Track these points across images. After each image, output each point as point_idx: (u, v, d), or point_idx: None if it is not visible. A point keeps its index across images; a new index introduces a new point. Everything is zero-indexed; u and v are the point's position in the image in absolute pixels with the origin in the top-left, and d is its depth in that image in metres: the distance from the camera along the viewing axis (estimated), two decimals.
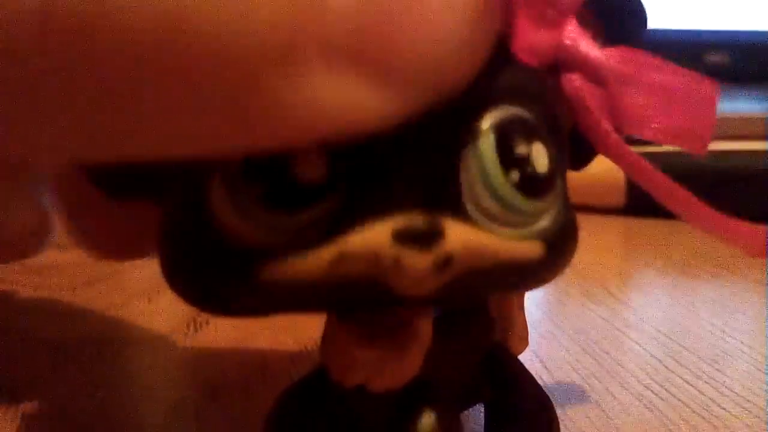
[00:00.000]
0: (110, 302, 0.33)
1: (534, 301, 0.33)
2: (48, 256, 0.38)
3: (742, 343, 0.28)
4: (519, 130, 0.14)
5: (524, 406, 0.18)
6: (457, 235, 0.13)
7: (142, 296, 0.33)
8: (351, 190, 0.13)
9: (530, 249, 0.14)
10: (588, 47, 0.15)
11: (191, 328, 0.29)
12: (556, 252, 0.14)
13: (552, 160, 0.14)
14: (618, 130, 0.15)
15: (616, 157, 0.15)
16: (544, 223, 0.14)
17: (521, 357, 0.20)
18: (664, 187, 0.14)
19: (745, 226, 0.15)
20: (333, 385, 0.15)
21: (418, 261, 0.12)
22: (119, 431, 0.21)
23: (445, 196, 0.13)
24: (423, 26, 0.11)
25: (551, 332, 0.29)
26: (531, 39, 0.14)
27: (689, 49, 0.74)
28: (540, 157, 0.14)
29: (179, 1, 0.10)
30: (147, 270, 0.34)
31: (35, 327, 0.30)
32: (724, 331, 0.29)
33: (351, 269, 0.13)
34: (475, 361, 0.18)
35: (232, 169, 0.13)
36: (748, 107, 0.62)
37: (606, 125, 0.15)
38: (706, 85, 0.15)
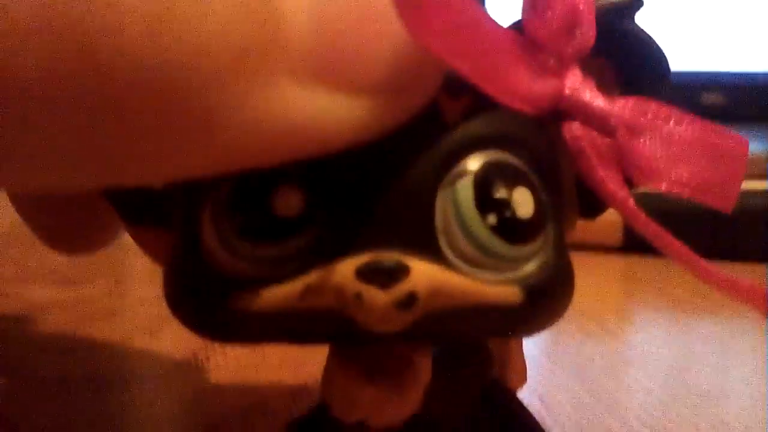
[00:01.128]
0: (112, 339, 0.33)
1: (532, 339, 0.33)
2: (50, 293, 0.39)
3: (741, 380, 0.28)
4: (501, 174, 0.14)
5: None
6: (424, 274, 0.13)
7: (144, 333, 0.33)
8: (326, 224, 0.13)
9: (506, 294, 0.14)
10: (592, 97, 0.14)
11: (192, 365, 0.29)
12: (541, 299, 0.14)
13: (539, 205, 0.14)
14: (630, 181, 0.15)
15: (615, 207, 0.14)
16: (530, 268, 0.14)
17: (519, 395, 0.20)
18: (665, 242, 0.14)
19: (744, 283, 0.14)
20: (334, 421, 0.15)
21: (378, 298, 0.13)
22: None
23: (418, 235, 0.13)
24: (379, 38, 0.12)
25: (549, 370, 0.29)
26: (528, 88, 0.13)
27: (685, 90, 0.75)
28: (523, 202, 0.14)
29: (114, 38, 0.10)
30: (149, 307, 0.34)
31: (37, 364, 0.30)
32: (723, 369, 0.29)
33: (318, 302, 0.13)
34: (474, 396, 0.18)
35: (219, 201, 0.13)
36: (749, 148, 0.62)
37: (602, 173, 0.14)
38: (736, 140, 0.15)
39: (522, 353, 0.20)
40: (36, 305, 0.36)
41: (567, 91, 0.14)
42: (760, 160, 0.56)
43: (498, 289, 0.14)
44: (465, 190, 0.13)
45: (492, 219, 0.13)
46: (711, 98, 0.77)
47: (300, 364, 0.28)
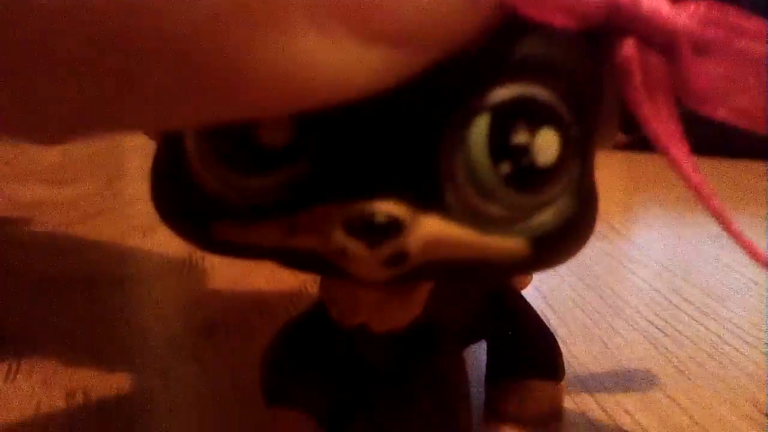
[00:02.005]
0: (104, 239, 0.32)
1: None
2: (42, 192, 0.38)
3: (747, 278, 0.27)
4: (524, 113, 0.12)
5: (528, 340, 0.18)
6: (420, 229, 0.11)
7: (136, 232, 0.33)
8: (316, 159, 0.12)
9: (511, 247, 0.12)
10: (655, 4, 0.12)
11: (187, 265, 0.29)
12: (550, 249, 0.13)
13: (565, 147, 0.12)
14: (680, 104, 0.12)
15: (656, 144, 0.12)
16: (543, 218, 0.12)
17: (525, 294, 0.19)
18: (701, 190, 0.13)
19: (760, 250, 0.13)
20: (332, 324, 0.15)
21: (365, 256, 0.11)
22: (114, 370, 0.21)
23: (419, 181, 0.12)
24: None
25: (555, 269, 0.28)
26: None
27: None
28: (546, 147, 0.12)
29: None
30: (142, 206, 0.34)
31: (29, 264, 0.29)
32: (729, 267, 0.28)
33: (302, 245, 0.12)
34: (479, 298, 0.17)
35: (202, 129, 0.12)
36: None
37: (647, 111, 0.12)
38: None
39: None
40: (27, 205, 0.35)
41: None
42: None
43: (503, 241, 0.12)
44: (478, 131, 0.11)
45: (506, 168, 0.12)
46: None
47: None
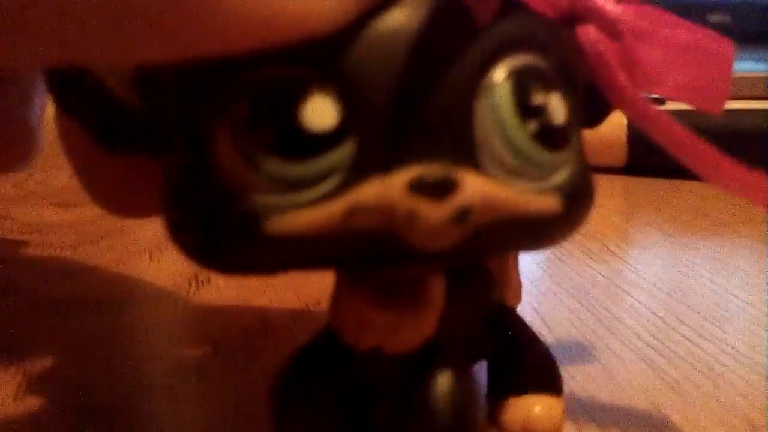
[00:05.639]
0: (112, 260, 0.33)
1: (534, 259, 0.33)
2: (51, 215, 0.38)
3: (742, 300, 0.28)
4: (536, 79, 0.13)
5: (527, 357, 0.19)
6: (475, 186, 0.12)
7: (143, 254, 0.33)
8: (363, 140, 0.12)
9: (548, 203, 0.13)
10: (603, 0, 0.14)
11: (193, 285, 0.29)
12: (574, 206, 0.14)
13: (570, 110, 0.14)
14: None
15: (633, 111, 0.14)
16: (562, 176, 0.14)
17: (522, 314, 0.20)
18: (681, 140, 0.14)
19: (750, 176, 0.14)
20: (343, 349, 0.15)
21: (434, 213, 0.12)
22: (120, 389, 0.21)
23: (460, 147, 0.12)
24: None
25: (552, 290, 0.29)
26: None
27: (692, 9, 0.74)
28: (557, 107, 0.13)
29: None
30: (149, 228, 0.34)
31: (36, 285, 0.30)
32: (724, 289, 0.29)
33: (364, 222, 0.12)
34: (479, 317, 0.18)
35: (239, 116, 0.12)
36: (750, 67, 0.61)
37: (623, 78, 0.14)
38: (723, 43, 0.15)
39: (518, 272, 0.20)
40: (35, 227, 0.36)
41: None
42: (762, 80, 0.56)
43: (540, 198, 0.13)
44: (504, 96, 0.13)
45: (533, 126, 0.13)
46: (717, 18, 0.76)
47: (301, 285, 0.28)
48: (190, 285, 0.29)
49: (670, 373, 0.22)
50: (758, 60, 0.66)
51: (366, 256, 0.13)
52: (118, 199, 0.18)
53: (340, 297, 0.15)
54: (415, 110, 0.12)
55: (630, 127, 0.47)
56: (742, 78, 0.56)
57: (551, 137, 0.13)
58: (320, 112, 0.12)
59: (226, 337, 0.24)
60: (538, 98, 0.13)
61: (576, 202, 0.14)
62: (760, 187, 0.14)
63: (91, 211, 0.38)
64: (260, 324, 0.25)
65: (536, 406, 0.18)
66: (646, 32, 0.14)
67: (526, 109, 0.13)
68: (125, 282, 0.30)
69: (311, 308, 0.26)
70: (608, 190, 0.45)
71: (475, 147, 0.13)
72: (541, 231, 0.14)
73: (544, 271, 0.31)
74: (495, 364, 0.19)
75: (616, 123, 0.47)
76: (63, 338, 0.25)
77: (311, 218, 0.12)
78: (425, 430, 0.16)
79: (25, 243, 0.34)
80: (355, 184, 0.12)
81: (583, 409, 0.20)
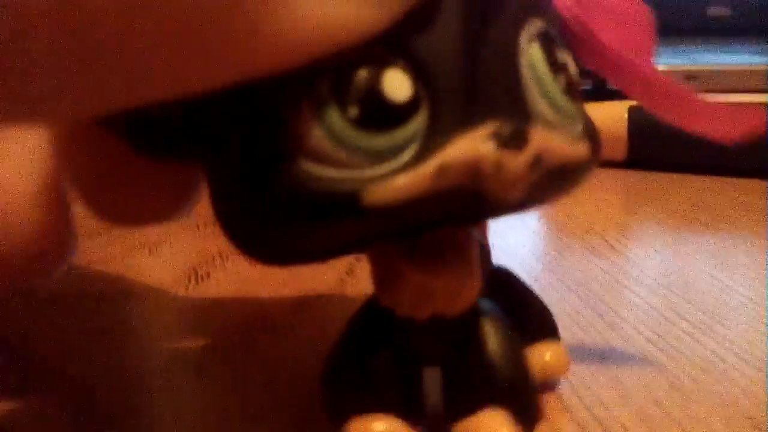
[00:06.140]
0: (111, 255, 0.32)
1: (534, 254, 0.33)
2: None
3: (743, 295, 0.28)
4: (554, 38, 0.15)
5: (529, 311, 0.20)
6: (539, 137, 0.14)
7: (142, 249, 0.33)
8: (435, 106, 0.13)
9: (582, 149, 0.15)
10: None
11: (192, 280, 0.29)
12: (596, 152, 0.15)
13: (577, 67, 0.15)
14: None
15: (615, 68, 0.16)
16: (581, 125, 0.15)
17: None
18: (667, 91, 0.16)
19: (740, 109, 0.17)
20: (396, 323, 0.16)
21: (517, 161, 0.13)
22: (119, 385, 0.21)
23: (516, 104, 0.14)
24: None
25: (552, 285, 0.29)
26: None
27: (692, 2, 0.74)
28: (571, 62, 0.15)
29: None
30: None
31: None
32: (725, 284, 0.29)
33: (452, 180, 0.13)
34: (484, 279, 0.18)
35: (321, 97, 0.13)
36: (749, 60, 0.61)
37: (603, 38, 0.16)
38: (647, 8, 0.18)
39: (488, 240, 0.21)
40: None
41: None
42: (761, 73, 0.56)
43: (577, 146, 0.15)
44: (537, 53, 0.14)
45: (562, 80, 0.15)
46: (716, 11, 0.76)
47: (301, 280, 0.28)
48: (189, 280, 0.29)
49: (670, 368, 0.22)
50: (757, 53, 0.66)
51: (451, 216, 0.14)
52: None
53: (389, 274, 0.15)
54: (476, 75, 0.13)
55: (631, 121, 0.47)
56: (741, 71, 0.56)
57: (573, 90, 0.15)
58: (398, 84, 0.13)
59: (226, 331, 0.24)
60: (561, 56, 0.15)
61: (596, 147, 0.15)
62: (749, 118, 0.16)
63: None
64: (260, 319, 0.25)
65: (547, 353, 0.20)
66: (589, 19, 0.16)
67: (555, 66, 0.15)
68: (124, 277, 0.30)
69: (311, 302, 0.26)
70: (608, 185, 0.45)
71: (525, 100, 0.14)
72: (574, 176, 0.15)
73: (544, 266, 0.31)
74: None
75: (616, 117, 0.47)
76: (60, 334, 0.25)
77: (405, 184, 0.13)
78: (489, 385, 0.16)
79: None
80: (436, 146, 0.13)
81: (582, 404, 0.20)
